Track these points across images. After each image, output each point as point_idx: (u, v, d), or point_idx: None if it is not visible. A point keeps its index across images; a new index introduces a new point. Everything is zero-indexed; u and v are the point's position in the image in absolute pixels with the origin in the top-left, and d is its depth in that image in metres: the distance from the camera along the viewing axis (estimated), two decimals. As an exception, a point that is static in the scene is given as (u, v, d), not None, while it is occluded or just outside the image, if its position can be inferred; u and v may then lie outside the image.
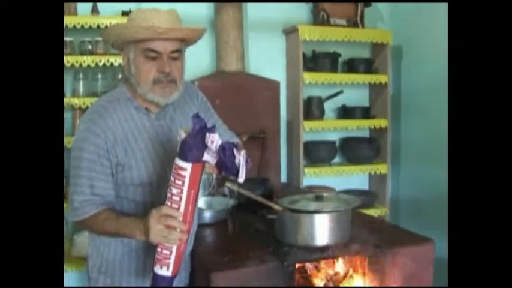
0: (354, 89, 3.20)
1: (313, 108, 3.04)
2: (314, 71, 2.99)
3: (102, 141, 1.42)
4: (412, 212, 3.24)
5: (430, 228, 2.03)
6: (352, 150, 3.21)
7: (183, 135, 1.29)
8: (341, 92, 3.10)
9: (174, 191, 1.29)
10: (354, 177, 3.29)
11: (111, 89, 2.23)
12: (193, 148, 1.26)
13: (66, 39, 2.46)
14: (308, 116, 3.01)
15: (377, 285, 1.68)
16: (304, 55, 2.98)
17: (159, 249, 1.32)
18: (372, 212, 3.01)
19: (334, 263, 1.74)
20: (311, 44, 3.03)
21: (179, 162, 1.28)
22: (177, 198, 1.29)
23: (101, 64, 2.47)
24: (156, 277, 1.33)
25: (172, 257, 1.31)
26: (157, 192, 1.47)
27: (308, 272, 1.72)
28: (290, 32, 3.03)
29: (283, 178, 3.04)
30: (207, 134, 1.27)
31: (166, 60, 1.42)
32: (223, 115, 1.80)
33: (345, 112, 3.20)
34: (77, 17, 2.45)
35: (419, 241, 1.78)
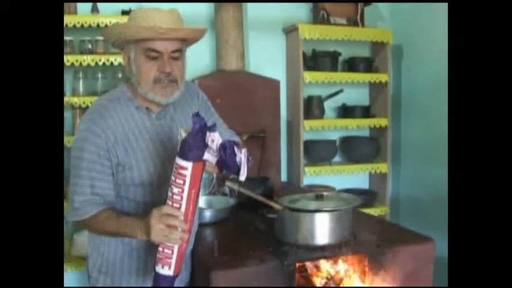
0: (354, 88, 3.20)
1: (313, 107, 3.03)
2: (314, 70, 2.98)
3: (102, 142, 1.42)
4: (412, 211, 3.24)
5: (430, 228, 2.03)
6: (352, 150, 3.20)
7: (184, 134, 1.29)
8: (341, 91, 3.10)
9: (175, 190, 1.29)
10: (354, 177, 3.28)
11: (111, 88, 2.23)
12: (193, 147, 1.26)
13: (66, 38, 2.45)
14: (308, 115, 3.01)
15: (377, 285, 1.68)
16: (304, 54, 2.98)
17: (160, 249, 1.32)
18: (372, 211, 3.01)
19: (334, 262, 1.74)
20: (311, 43, 3.03)
21: (180, 161, 1.28)
22: (178, 198, 1.29)
23: (101, 63, 2.47)
24: (157, 276, 1.33)
25: (174, 256, 1.31)
26: (157, 192, 1.47)
27: (308, 271, 1.72)
28: (290, 31, 3.03)
29: (284, 177, 3.04)
30: (208, 133, 1.27)
31: (167, 60, 1.42)
32: (223, 114, 1.80)
33: (345, 111, 3.19)
34: (77, 16, 2.45)
35: (420, 240, 1.78)
